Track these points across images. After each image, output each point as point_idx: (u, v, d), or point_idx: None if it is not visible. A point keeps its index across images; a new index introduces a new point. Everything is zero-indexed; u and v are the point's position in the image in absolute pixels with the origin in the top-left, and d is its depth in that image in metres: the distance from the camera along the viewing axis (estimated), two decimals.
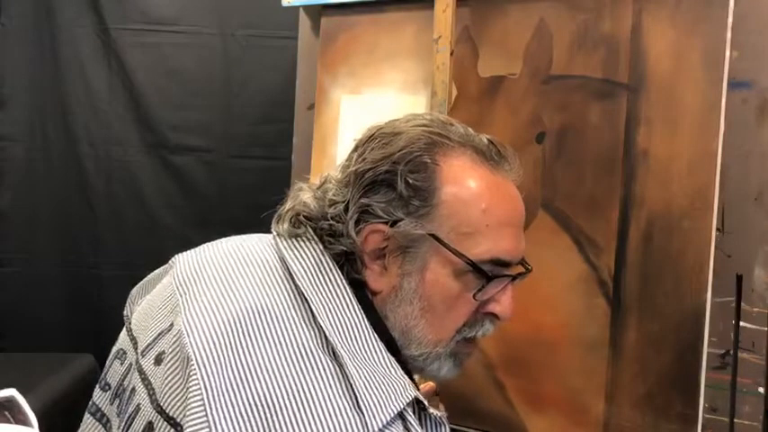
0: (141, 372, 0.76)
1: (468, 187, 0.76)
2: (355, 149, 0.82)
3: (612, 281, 1.25)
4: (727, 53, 1.17)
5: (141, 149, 2.49)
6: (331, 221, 0.77)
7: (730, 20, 1.17)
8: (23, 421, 0.65)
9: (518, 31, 1.38)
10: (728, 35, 1.17)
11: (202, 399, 0.64)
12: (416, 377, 1.14)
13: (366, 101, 1.56)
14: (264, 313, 0.70)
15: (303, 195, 0.82)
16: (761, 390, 1.13)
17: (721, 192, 1.17)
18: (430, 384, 1.13)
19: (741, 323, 1.15)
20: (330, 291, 0.74)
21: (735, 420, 1.15)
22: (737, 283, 1.16)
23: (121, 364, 0.83)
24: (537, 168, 1.34)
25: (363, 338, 0.72)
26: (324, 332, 0.70)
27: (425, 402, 0.72)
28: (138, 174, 2.49)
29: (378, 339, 0.73)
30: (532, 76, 1.36)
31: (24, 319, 2.50)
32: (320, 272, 0.75)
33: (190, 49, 2.45)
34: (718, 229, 1.17)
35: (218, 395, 0.64)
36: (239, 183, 2.43)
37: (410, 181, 0.75)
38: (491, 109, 1.40)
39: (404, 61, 1.51)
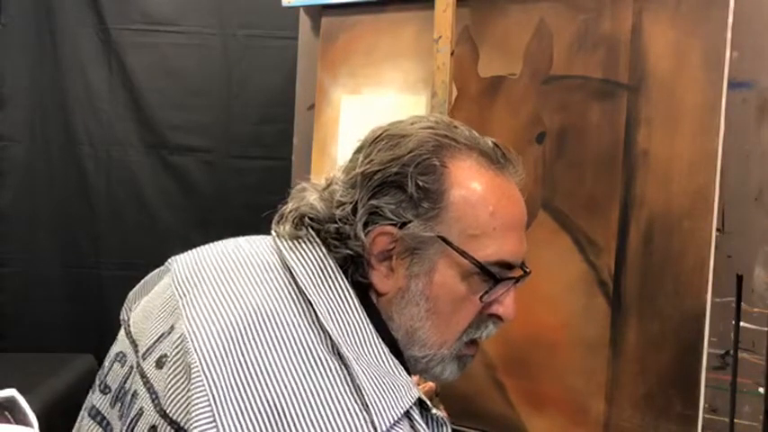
0: (143, 375, 0.75)
1: (476, 190, 0.77)
2: (360, 150, 0.81)
3: (612, 281, 1.25)
4: (728, 53, 1.17)
5: (141, 149, 2.49)
6: (338, 224, 0.77)
7: (730, 20, 1.17)
8: (23, 421, 0.65)
9: (518, 31, 1.38)
10: (728, 35, 1.17)
11: (210, 404, 0.63)
12: (416, 378, 1.14)
13: (366, 101, 1.56)
14: (268, 316, 0.70)
15: (309, 197, 0.82)
16: (761, 390, 1.13)
17: (721, 192, 1.17)
18: (430, 385, 1.13)
19: (741, 323, 1.15)
20: (333, 293, 0.74)
21: (735, 420, 1.15)
22: (737, 284, 1.16)
23: (122, 366, 0.82)
24: (537, 168, 1.34)
25: (367, 341, 0.72)
26: (328, 333, 0.70)
27: (429, 403, 0.73)
28: (138, 174, 2.49)
29: (381, 342, 0.73)
30: (532, 76, 1.36)
31: (24, 319, 2.50)
32: (323, 274, 0.75)
33: (190, 49, 2.45)
34: (718, 230, 1.17)
35: (226, 400, 0.64)
36: (239, 183, 2.43)
37: (420, 183, 0.75)
38: (491, 109, 1.40)
39: (404, 61, 1.51)
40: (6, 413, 0.65)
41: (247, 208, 2.21)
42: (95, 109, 2.48)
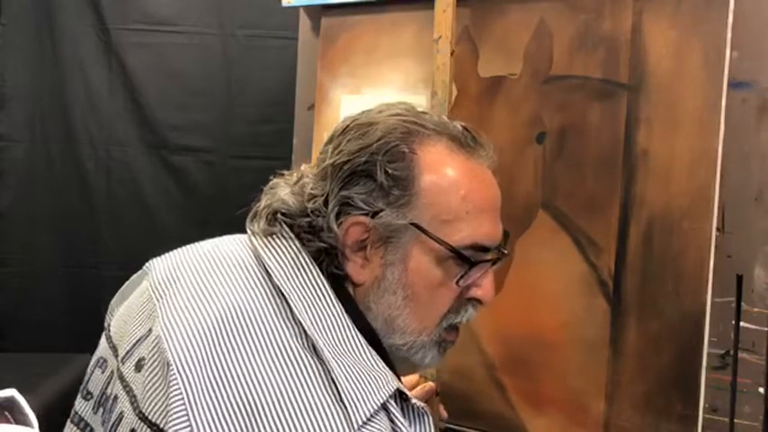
0: (122, 379, 0.75)
1: (447, 174, 0.77)
2: (330, 142, 0.81)
3: (612, 281, 1.25)
4: (728, 53, 1.17)
5: (141, 149, 2.49)
6: (310, 217, 0.77)
7: (730, 20, 1.17)
8: (23, 421, 0.65)
9: (518, 31, 1.38)
10: (728, 35, 1.17)
11: (184, 403, 0.63)
12: (416, 377, 1.14)
13: (366, 101, 1.56)
14: (242, 313, 0.70)
15: (280, 192, 0.81)
16: (761, 390, 1.13)
17: (721, 192, 1.17)
18: (430, 385, 1.13)
19: (741, 323, 1.15)
20: (308, 286, 0.74)
21: (735, 421, 1.15)
22: (737, 284, 1.16)
23: (102, 372, 0.82)
24: (537, 168, 1.34)
25: (343, 333, 0.72)
26: (303, 328, 0.70)
27: (408, 393, 0.72)
28: (138, 174, 2.49)
29: (358, 333, 0.73)
30: (533, 76, 1.36)
31: (24, 319, 2.50)
32: (297, 268, 0.75)
33: (190, 49, 2.45)
34: (718, 229, 1.17)
35: (200, 399, 0.64)
36: (239, 183, 2.43)
37: (389, 171, 0.75)
38: (491, 109, 1.40)
39: (404, 61, 1.51)
40: (6, 413, 0.65)
41: (247, 208, 2.21)
42: (95, 109, 2.48)
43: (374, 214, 0.75)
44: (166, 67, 2.46)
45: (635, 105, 1.25)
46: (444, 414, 1.16)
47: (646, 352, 1.22)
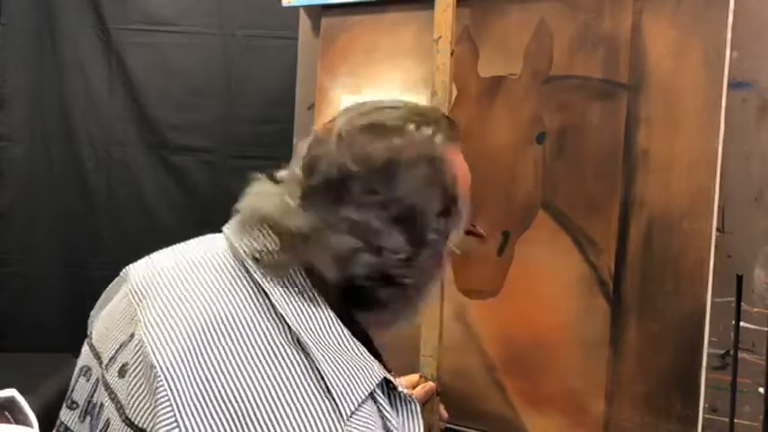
0: (107, 386, 0.75)
1: (464, 188, 0.80)
2: (364, 181, 0.74)
3: (612, 281, 1.25)
4: (728, 53, 1.17)
5: (141, 149, 2.48)
6: (389, 272, 0.76)
7: (730, 20, 1.17)
8: (23, 421, 0.65)
9: (518, 31, 1.38)
10: (728, 35, 1.17)
11: (171, 405, 0.63)
12: (417, 377, 1.14)
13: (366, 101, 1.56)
14: (224, 312, 0.70)
15: (320, 252, 0.75)
16: (761, 390, 1.13)
17: (721, 192, 1.17)
18: (430, 385, 1.13)
19: (741, 323, 1.15)
20: (288, 281, 0.73)
21: (735, 420, 1.15)
22: (737, 284, 1.16)
23: (87, 380, 0.81)
24: (537, 168, 1.34)
25: (326, 325, 0.72)
26: (286, 323, 0.69)
27: (394, 381, 0.73)
28: (138, 174, 2.49)
29: (341, 324, 0.73)
30: (533, 76, 1.36)
31: (24, 319, 2.50)
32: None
33: (190, 49, 2.45)
34: (718, 229, 1.17)
35: (187, 400, 0.64)
36: (239, 183, 2.42)
37: (436, 223, 0.77)
38: (491, 109, 1.40)
39: (404, 61, 1.51)
40: (6, 413, 0.65)
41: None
42: (95, 109, 2.48)
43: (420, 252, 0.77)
44: (166, 67, 2.46)
45: (635, 105, 1.25)
46: (444, 414, 1.16)
47: (646, 352, 1.22)
